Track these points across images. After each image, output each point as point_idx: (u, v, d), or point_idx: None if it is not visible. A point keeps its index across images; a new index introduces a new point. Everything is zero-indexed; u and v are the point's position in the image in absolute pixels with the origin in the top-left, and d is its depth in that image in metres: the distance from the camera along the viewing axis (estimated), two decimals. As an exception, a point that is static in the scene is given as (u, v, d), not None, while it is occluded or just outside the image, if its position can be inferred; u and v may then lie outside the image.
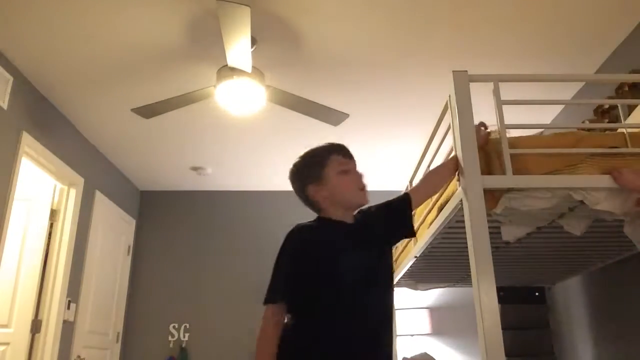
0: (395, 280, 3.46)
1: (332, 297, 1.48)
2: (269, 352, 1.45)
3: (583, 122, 3.03)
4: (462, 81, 1.86)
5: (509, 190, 1.81)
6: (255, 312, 5.51)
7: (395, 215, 1.68)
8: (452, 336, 4.88)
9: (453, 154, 1.80)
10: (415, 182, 2.90)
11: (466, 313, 4.92)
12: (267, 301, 1.51)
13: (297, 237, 1.57)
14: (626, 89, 2.64)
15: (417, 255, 2.72)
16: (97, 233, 4.35)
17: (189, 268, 5.09)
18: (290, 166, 1.69)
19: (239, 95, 2.87)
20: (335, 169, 1.60)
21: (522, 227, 2.08)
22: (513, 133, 1.90)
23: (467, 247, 1.73)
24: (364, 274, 1.53)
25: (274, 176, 5.02)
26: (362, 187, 1.62)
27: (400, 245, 3.24)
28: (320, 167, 1.60)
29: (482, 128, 1.83)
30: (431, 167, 2.48)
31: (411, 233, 1.78)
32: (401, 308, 4.79)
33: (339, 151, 1.63)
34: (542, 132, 3.57)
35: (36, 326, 3.57)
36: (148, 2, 2.66)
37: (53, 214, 3.84)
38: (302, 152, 1.67)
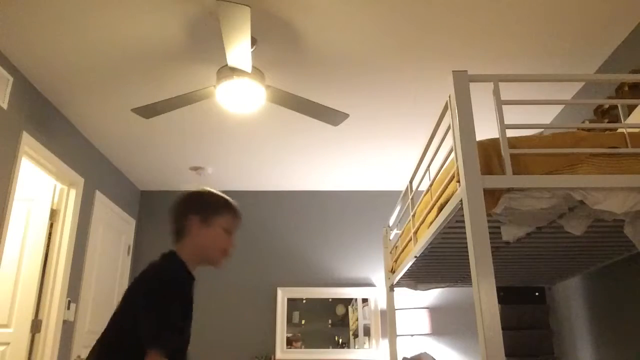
0: (395, 280, 3.46)
1: (180, 353, 1.48)
2: None
3: (583, 122, 3.03)
4: (462, 81, 1.87)
5: (509, 190, 1.81)
6: (256, 312, 5.53)
7: None
8: (452, 336, 4.88)
9: None
10: (415, 182, 2.90)
11: (466, 313, 4.93)
12: (161, 347, 1.36)
13: (184, 288, 1.51)
14: (626, 89, 2.64)
15: (417, 255, 2.72)
16: (97, 233, 4.35)
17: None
18: (187, 191, 1.68)
19: (239, 95, 2.87)
20: (223, 224, 1.62)
21: (522, 227, 2.08)
22: (513, 133, 1.90)
23: (467, 247, 1.73)
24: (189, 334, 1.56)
25: (274, 176, 5.02)
26: (226, 253, 1.63)
27: (400, 245, 3.24)
28: (214, 212, 1.61)
29: None
30: (430, 168, 2.49)
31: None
32: (401, 308, 4.79)
33: (236, 216, 1.66)
34: (542, 132, 3.58)
35: (36, 326, 3.57)
36: (148, 2, 2.66)
37: (53, 214, 3.84)
38: (205, 189, 1.68)
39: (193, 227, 1.59)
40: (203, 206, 1.62)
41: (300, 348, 4.82)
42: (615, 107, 2.69)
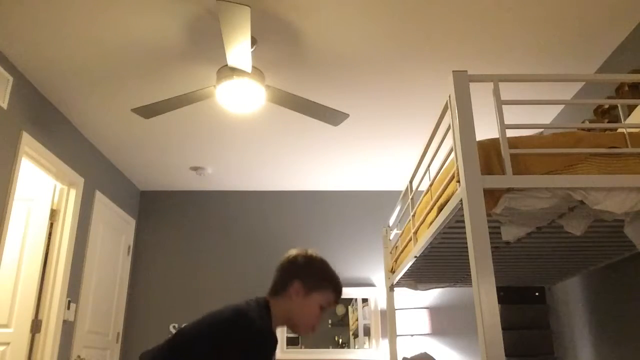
0: (395, 280, 3.46)
1: None
2: None
3: (583, 122, 3.03)
4: (462, 81, 1.87)
5: (509, 190, 1.81)
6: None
7: None
8: (452, 336, 4.88)
9: None
10: (415, 182, 2.91)
11: (466, 313, 4.93)
12: None
13: (267, 344, 1.44)
14: (626, 89, 2.64)
15: (417, 255, 2.72)
16: (97, 233, 4.35)
17: (189, 268, 5.09)
18: (304, 251, 1.69)
19: (239, 95, 2.87)
20: (321, 300, 1.64)
21: (522, 227, 2.08)
22: (513, 133, 1.90)
23: (467, 247, 1.73)
24: None
25: (274, 176, 5.02)
26: (314, 328, 1.64)
27: (400, 245, 3.24)
28: (319, 287, 1.63)
29: None
30: (430, 168, 2.49)
31: None
32: (401, 308, 4.79)
33: (337, 295, 1.67)
34: (542, 132, 3.58)
35: (36, 326, 3.57)
36: (148, 2, 2.66)
37: (53, 214, 3.84)
38: (318, 257, 1.70)
39: (293, 293, 1.60)
40: (309, 276, 1.64)
41: (300, 348, 4.82)
42: (615, 107, 2.69)
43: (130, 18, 2.79)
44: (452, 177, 1.94)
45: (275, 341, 1.47)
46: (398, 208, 3.58)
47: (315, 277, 1.65)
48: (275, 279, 1.65)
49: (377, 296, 4.97)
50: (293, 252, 1.69)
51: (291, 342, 4.84)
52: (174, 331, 4.86)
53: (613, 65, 3.09)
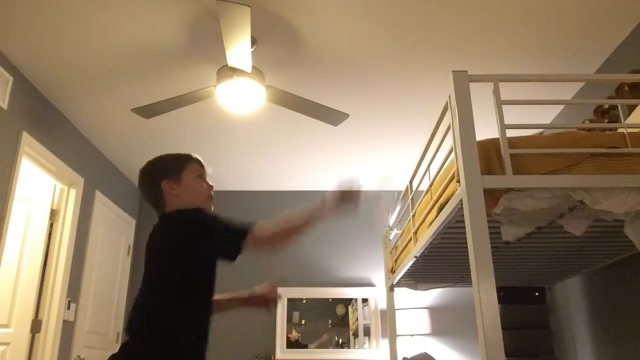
0: (395, 280, 3.46)
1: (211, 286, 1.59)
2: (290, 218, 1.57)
3: (583, 122, 3.03)
4: (462, 81, 1.87)
5: (509, 190, 1.81)
6: (255, 312, 5.51)
7: None
8: (452, 336, 4.88)
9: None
10: (415, 182, 2.91)
11: (466, 313, 4.93)
12: (248, 231, 1.51)
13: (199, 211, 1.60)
14: (626, 89, 2.64)
15: (417, 255, 2.72)
16: (97, 233, 4.35)
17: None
18: (145, 163, 1.74)
19: (239, 95, 2.87)
20: (192, 173, 1.70)
21: (522, 227, 2.08)
22: (513, 133, 1.90)
23: (467, 247, 1.73)
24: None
25: (274, 176, 5.02)
26: (211, 196, 1.72)
27: (400, 245, 3.24)
28: (179, 169, 1.68)
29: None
30: (430, 168, 2.49)
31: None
32: (401, 308, 4.79)
33: (197, 160, 1.74)
34: (542, 132, 3.58)
35: (36, 326, 3.57)
36: (148, 2, 2.66)
37: (53, 214, 3.84)
38: (156, 156, 1.74)
39: (170, 190, 1.65)
40: (167, 169, 1.68)
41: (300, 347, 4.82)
42: (615, 107, 2.68)
43: (130, 18, 2.79)
44: (452, 177, 1.94)
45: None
46: (398, 208, 3.58)
47: (169, 167, 1.69)
48: (151, 202, 1.68)
49: (377, 296, 4.97)
50: (139, 177, 1.73)
51: (291, 345, 4.84)
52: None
53: (613, 65, 3.09)
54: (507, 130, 1.86)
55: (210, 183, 1.74)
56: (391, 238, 3.91)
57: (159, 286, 1.58)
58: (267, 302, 1.87)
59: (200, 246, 1.51)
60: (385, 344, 4.80)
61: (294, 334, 4.84)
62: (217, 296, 1.77)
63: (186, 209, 1.60)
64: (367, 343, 4.84)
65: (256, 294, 1.89)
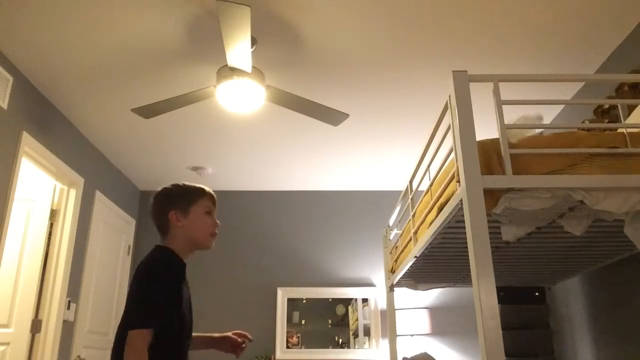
0: (395, 280, 3.46)
1: (178, 335, 1.58)
2: None
3: (583, 122, 3.03)
4: (462, 81, 1.87)
5: (509, 190, 1.81)
6: (256, 312, 5.52)
7: None
8: (452, 336, 4.88)
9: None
10: (415, 182, 2.91)
11: (466, 313, 4.93)
12: (141, 326, 1.48)
13: (172, 270, 1.62)
14: (626, 89, 2.64)
15: (417, 255, 2.72)
16: (97, 233, 4.35)
17: (189, 268, 5.08)
18: (160, 189, 1.77)
19: (239, 95, 2.87)
20: (202, 209, 1.72)
21: (522, 227, 2.08)
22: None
23: (467, 247, 1.73)
24: (191, 319, 1.70)
25: (274, 176, 5.02)
26: (214, 234, 1.74)
27: (400, 245, 3.24)
28: (189, 201, 1.71)
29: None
30: (430, 168, 2.49)
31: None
32: (401, 308, 4.79)
33: (210, 196, 1.76)
34: (542, 132, 3.58)
35: (36, 326, 3.57)
36: (148, 2, 2.66)
37: (53, 214, 3.84)
38: (174, 183, 1.78)
39: (176, 221, 1.68)
40: (178, 200, 1.71)
41: (300, 348, 4.82)
42: (615, 107, 2.69)
43: (130, 18, 2.79)
44: (452, 177, 1.94)
45: (181, 264, 1.66)
46: (398, 208, 3.58)
47: (180, 198, 1.72)
48: (156, 226, 1.72)
49: (377, 296, 4.97)
50: (154, 196, 1.75)
51: (290, 344, 4.84)
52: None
53: (613, 65, 3.09)
54: (507, 130, 1.86)
55: (217, 221, 1.76)
56: (391, 238, 3.91)
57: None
58: (236, 348, 1.86)
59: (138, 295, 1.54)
60: (385, 344, 4.81)
61: (294, 339, 4.84)
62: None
63: (161, 258, 1.63)
64: (367, 343, 4.84)
65: (225, 337, 1.88)
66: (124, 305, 1.58)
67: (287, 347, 4.81)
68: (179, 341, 1.59)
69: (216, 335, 1.91)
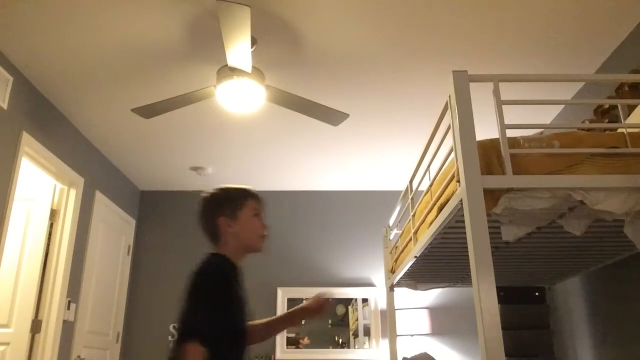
0: (395, 280, 3.46)
1: (236, 341, 1.59)
2: None
3: (583, 122, 3.03)
4: (462, 81, 1.87)
5: (509, 190, 1.81)
6: (256, 312, 5.53)
7: None
8: (452, 336, 4.88)
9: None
10: (415, 182, 2.91)
11: (466, 313, 4.93)
12: (198, 336, 1.46)
13: (226, 276, 1.62)
14: (626, 89, 2.64)
15: (417, 255, 2.72)
16: (97, 233, 4.35)
17: (189, 268, 5.08)
18: (201, 198, 1.77)
19: (239, 95, 2.87)
20: (250, 211, 1.72)
21: (522, 227, 2.08)
22: (513, 133, 1.90)
23: (467, 247, 1.73)
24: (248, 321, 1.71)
25: (274, 176, 5.02)
26: (264, 236, 1.74)
27: (400, 245, 3.24)
28: (237, 206, 1.71)
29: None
30: (430, 168, 2.49)
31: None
32: (401, 308, 4.79)
33: (257, 199, 1.76)
34: (542, 132, 3.58)
35: (36, 326, 3.57)
36: (148, 2, 2.66)
37: (53, 214, 3.84)
38: (219, 187, 1.78)
39: (226, 228, 1.67)
40: (226, 206, 1.70)
41: (301, 348, 4.82)
42: (615, 107, 2.68)
43: (130, 18, 2.79)
44: (452, 177, 1.94)
45: (235, 269, 1.67)
46: (398, 208, 3.58)
47: (227, 203, 1.71)
48: (206, 233, 1.72)
49: (377, 296, 4.97)
50: (200, 204, 1.75)
51: (291, 342, 4.84)
52: (174, 331, 4.86)
53: (613, 65, 3.09)
54: (507, 130, 1.86)
55: (266, 223, 1.76)
56: (391, 238, 3.91)
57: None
58: (318, 309, 1.85)
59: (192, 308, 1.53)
60: (385, 344, 4.80)
61: (306, 340, 4.84)
62: (254, 323, 1.82)
63: (215, 265, 1.62)
64: (367, 343, 4.84)
65: (304, 306, 1.88)
66: (179, 315, 1.57)
67: (298, 347, 4.82)
68: (237, 347, 1.59)
69: (286, 313, 1.96)
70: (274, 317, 1.95)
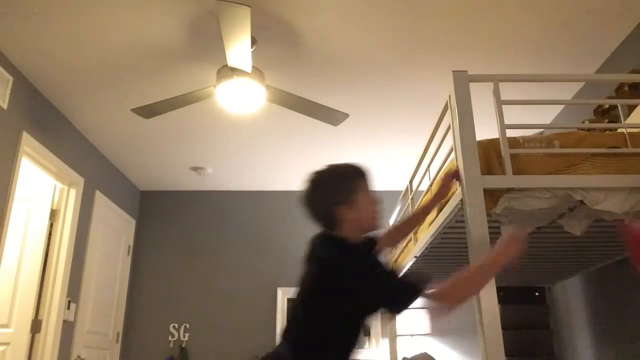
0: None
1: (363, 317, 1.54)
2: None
3: (583, 122, 3.03)
4: (462, 81, 1.87)
5: (509, 190, 1.81)
6: (256, 312, 5.50)
7: None
8: (452, 336, 4.88)
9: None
10: (415, 182, 2.91)
11: (466, 313, 4.93)
12: (422, 286, 1.40)
13: (364, 253, 1.58)
14: (626, 89, 2.64)
15: (417, 255, 2.72)
16: (97, 233, 4.35)
17: (189, 268, 5.09)
18: (313, 173, 1.67)
19: (239, 95, 2.87)
20: (364, 191, 1.61)
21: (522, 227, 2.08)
22: (513, 133, 1.90)
23: (467, 247, 1.73)
24: None
25: (274, 176, 5.02)
26: (379, 216, 1.65)
27: (400, 245, 3.24)
28: (351, 189, 1.59)
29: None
30: (430, 168, 2.49)
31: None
32: (401, 308, 4.78)
33: (365, 175, 1.65)
34: (542, 132, 3.58)
35: (36, 326, 3.57)
36: (148, 2, 2.66)
37: (53, 214, 3.84)
38: (328, 165, 1.66)
39: (346, 216, 1.55)
40: (341, 192, 1.58)
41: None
42: (615, 107, 2.68)
43: (130, 18, 2.79)
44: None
45: (363, 246, 1.61)
46: (398, 208, 3.58)
47: (341, 189, 1.59)
48: (316, 219, 1.60)
49: (377, 296, 4.97)
50: (306, 190, 1.64)
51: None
52: (173, 331, 4.86)
53: (613, 65, 3.09)
54: (507, 130, 1.86)
55: (376, 197, 1.64)
56: (391, 238, 3.90)
57: (306, 318, 1.51)
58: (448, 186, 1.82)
59: (363, 296, 1.44)
60: (385, 344, 4.80)
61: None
62: (391, 228, 1.81)
63: (355, 249, 1.53)
64: (367, 343, 4.83)
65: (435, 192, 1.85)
66: (305, 308, 1.52)
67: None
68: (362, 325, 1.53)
69: (425, 204, 1.93)
70: (406, 217, 1.91)
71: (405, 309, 1.41)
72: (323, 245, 1.56)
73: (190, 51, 3.07)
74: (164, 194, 5.37)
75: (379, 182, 5.14)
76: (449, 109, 1.93)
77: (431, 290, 1.41)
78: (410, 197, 2.90)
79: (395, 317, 1.48)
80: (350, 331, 1.49)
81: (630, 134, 1.90)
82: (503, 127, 1.86)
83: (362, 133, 4.12)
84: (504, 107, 1.91)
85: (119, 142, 4.30)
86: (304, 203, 1.62)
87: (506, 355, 1.55)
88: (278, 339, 1.66)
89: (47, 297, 3.66)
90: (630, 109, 2.45)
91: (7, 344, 3.40)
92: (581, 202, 1.83)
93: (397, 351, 3.60)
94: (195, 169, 4.82)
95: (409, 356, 3.98)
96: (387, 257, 3.55)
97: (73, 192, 3.95)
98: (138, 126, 4.01)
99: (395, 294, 1.42)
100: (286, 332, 1.53)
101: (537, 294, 3.84)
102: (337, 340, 1.47)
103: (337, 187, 1.60)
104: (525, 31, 2.91)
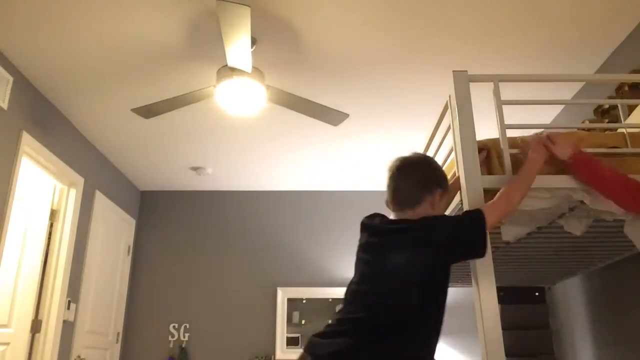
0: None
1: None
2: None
3: (583, 122, 3.03)
4: (462, 81, 1.87)
5: (509, 190, 1.80)
6: (256, 312, 5.51)
7: None
8: (452, 336, 4.88)
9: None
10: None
11: (466, 313, 4.93)
12: (483, 218, 1.53)
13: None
14: (626, 89, 2.64)
15: (417, 255, 2.71)
16: (97, 233, 4.35)
17: (189, 268, 5.09)
18: (419, 153, 1.73)
19: (239, 95, 2.87)
20: (444, 200, 1.71)
21: (522, 227, 2.08)
22: (513, 133, 1.90)
23: (467, 247, 1.72)
24: None
25: (274, 176, 5.02)
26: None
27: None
28: (445, 189, 1.69)
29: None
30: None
31: None
32: (401, 308, 4.78)
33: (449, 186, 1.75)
34: (542, 132, 3.57)
35: (36, 326, 3.57)
36: (148, 2, 2.66)
37: (53, 214, 3.84)
38: (427, 156, 1.75)
39: (437, 202, 1.64)
40: (443, 180, 1.68)
41: (300, 347, 4.82)
42: (615, 107, 2.68)
43: (130, 18, 2.79)
44: (452, 177, 1.94)
45: None
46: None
47: (445, 181, 1.67)
48: (403, 195, 1.65)
49: (377, 296, 4.97)
50: (412, 162, 1.69)
51: (291, 342, 4.84)
52: (173, 331, 4.85)
53: (613, 65, 3.09)
54: (507, 130, 1.86)
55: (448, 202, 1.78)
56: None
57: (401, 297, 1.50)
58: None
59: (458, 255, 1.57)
60: (385, 344, 4.80)
61: None
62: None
63: (442, 217, 1.65)
64: (367, 343, 4.83)
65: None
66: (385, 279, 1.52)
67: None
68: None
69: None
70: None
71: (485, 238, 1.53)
72: (425, 220, 1.57)
73: (190, 51, 3.07)
74: (164, 194, 5.37)
75: (379, 182, 5.14)
76: (449, 109, 1.93)
77: (486, 207, 1.56)
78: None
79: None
80: (440, 319, 1.52)
81: (630, 134, 1.90)
82: (503, 127, 1.86)
83: (362, 133, 4.12)
84: (504, 107, 1.91)
85: (119, 142, 4.30)
86: (407, 171, 1.66)
87: (506, 355, 1.55)
88: (304, 339, 1.63)
89: (47, 297, 3.66)
90: (630, 109, 2.45)
91: (7, 344, 3.40)
92: (581, 202, 1.83)
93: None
94: (195, 169, 4.82)
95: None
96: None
97: (73, 192, 3.95)
98: (138, 126, 4.01)
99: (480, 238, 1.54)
100: (359, 328, 1.46)
101: (537, 294, 3.84)
102: (436, 327, 1.49)
103: (442, 174, 1.68)
104: (525, 31, 2.92)
